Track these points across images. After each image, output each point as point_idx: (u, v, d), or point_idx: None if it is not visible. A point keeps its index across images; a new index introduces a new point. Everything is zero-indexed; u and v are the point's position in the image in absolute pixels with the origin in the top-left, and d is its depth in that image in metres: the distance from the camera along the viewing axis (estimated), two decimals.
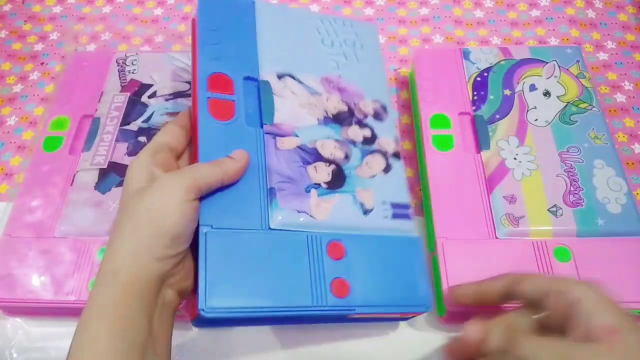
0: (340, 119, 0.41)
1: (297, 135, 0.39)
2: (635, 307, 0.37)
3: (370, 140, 0.41)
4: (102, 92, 0.49)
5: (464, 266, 0.39)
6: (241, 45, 0.40)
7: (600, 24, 0.58)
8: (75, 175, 0.44)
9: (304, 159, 0.38)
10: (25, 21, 0.61)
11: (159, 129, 0.45)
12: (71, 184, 0.43)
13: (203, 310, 0.31)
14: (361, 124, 0.42)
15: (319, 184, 0.38)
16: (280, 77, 0.41)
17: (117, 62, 0.51)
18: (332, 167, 0.39)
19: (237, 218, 0.34)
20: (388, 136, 0.42)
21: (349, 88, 0.43)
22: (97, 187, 0.43)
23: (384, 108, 0.43)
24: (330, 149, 0.39)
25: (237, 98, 0.38)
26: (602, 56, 0.56)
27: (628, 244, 0.40)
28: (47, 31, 0.60)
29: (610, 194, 0.42)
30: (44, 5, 0.62)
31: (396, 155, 0.42)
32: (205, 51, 0.39)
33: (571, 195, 0.41)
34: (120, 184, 0.43)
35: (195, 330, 0.41)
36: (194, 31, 0.40)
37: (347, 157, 0.40)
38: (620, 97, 0.53)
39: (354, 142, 0.41)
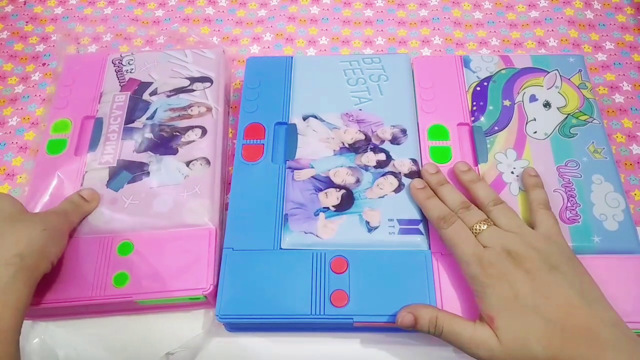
0: (355, 148, 0.45)
1: (312, 167, 0.44)
2: (630, 327, 0.34)
3: (384, 163, 0.44)
4: (102, 93, 0.49)
5: (458, 282, 0.38)
6: (277, 97, 0.47)
7: (599, 24, 0.59)
8: (84, 175, 0.44)
9: (316, 187, 0.43)
10: (26, 22, 0.61)
11: (166, 125, 0.47)
12: (81, 184, 0.44)
13: (218, 316, 0.38)
14: (376, 150, 0.45)
15: (328, 207, 0.42)
16: (305, 118, 0.46)
17: (112, 62, 0.51)
18: (342, 191, 0.43)
19: (254, 241, 0.40)
20: (404, 158, 0.44)
21: (368, 118, 0.46)
22: (109, 184, 0.44)
23: (404, 131, 0.45)
24: (342, 175, 0.43)
25: (266, 142, 0.45)
26: (601, 57, 0.56)
27: (623, 262, 0.39)
28: (49, 32, 0.60)
29: (608, 210, 0.41)
30: (45, 6, 0.62)
31: (412, 174, 0.43)
32: (245, 106, 0.47)
33: (568, 212, 0.41)
34: (131, 180, 0.44)
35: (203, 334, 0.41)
36: None
37: (358, 181, 0.43)
38: (618, 98, 0.53)
39: (366, 167, 0.44)
